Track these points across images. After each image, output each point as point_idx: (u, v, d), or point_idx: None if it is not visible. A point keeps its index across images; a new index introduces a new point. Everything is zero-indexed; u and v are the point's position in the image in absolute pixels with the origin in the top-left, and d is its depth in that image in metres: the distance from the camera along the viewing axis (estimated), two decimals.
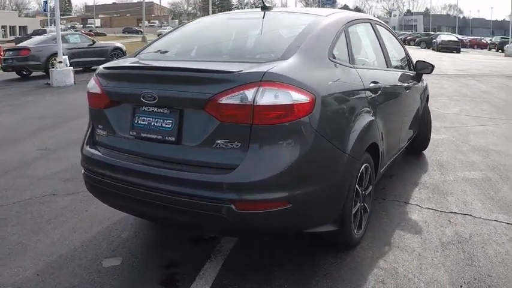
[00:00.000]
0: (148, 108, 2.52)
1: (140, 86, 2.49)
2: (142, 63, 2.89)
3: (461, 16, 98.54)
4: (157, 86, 2.45)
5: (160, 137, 2.47)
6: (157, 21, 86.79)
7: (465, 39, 47.10)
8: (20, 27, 63.65)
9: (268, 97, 2.20)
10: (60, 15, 15.70)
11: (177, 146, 2.41)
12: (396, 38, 4.41)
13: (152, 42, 3.27)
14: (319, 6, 63.37)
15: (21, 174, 4.69)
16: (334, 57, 2.75)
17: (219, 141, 2.28)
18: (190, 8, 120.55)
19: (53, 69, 12.04)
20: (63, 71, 11.83)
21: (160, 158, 2.46)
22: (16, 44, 19.81)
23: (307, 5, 72.62)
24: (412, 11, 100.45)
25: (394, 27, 70.76)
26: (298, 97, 2.25)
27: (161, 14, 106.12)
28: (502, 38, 45.84)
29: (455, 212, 3.63)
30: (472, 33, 75.04)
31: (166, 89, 2.43)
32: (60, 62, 11.90)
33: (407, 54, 4.55)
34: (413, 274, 2.71)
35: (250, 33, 3.10)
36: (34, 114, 8.11)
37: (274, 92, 2.21)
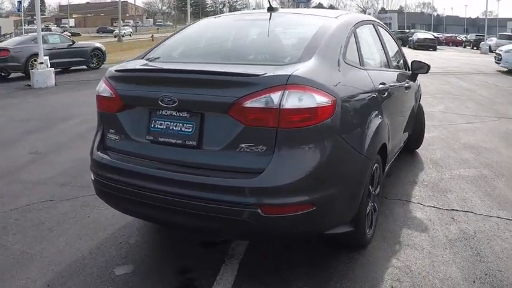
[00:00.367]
0: (166, 112, 2.47)
1: (158, 89, 2.44)
2: (159, 66, 2.82)
3: (435, 14, 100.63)
4: (177, 89, 2.40)
5: (180, 141, 2.43)
6: (131, 21, 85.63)
7: (441, 37, 47.88)
8: None
9: (293, 100, 2.19)
10: (34, 15, 15.33)
11: (198, 151, 2.38)
12: (393, 38, 4.46)
13: (159, 44, 3.21)
14: (294, 6, 63.53)
15: (15, 179, 4.56)
16: (347, 59, 2.77)
17: (243, 145, 2.26)
18: (164, 8, 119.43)
19: (33, 70, 11.76)
20: (44, 72, 11.55)
21: (180, 163, 2.42)
22: None
23: (282, 4, 72.70)
24: (386, 9, 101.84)
25: None
26: (321, 100, 2.26)
27: (135, 13, 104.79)
28: (477, 35, 46.56)
29: (456, 210, 3.71)
30: (446, 31, 76.57)
31: (187, 92, 2.38)
32: (41, 63, 11.62)
33: (403, 55, 4.61)
34: (427, 272, 2.76)
35: (262, 35, 3.08)
36: (18, 117, 7.91)
37: (299, 95, 2.21)
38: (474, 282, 2.66)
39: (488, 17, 47.80)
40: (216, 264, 2.81)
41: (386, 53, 3.76)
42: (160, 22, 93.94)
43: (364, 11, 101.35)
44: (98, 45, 16.67)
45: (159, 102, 2.42)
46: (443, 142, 5.88)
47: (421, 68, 4.51)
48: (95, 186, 2.83)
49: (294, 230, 2.34)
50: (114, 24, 70.21)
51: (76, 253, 3.03)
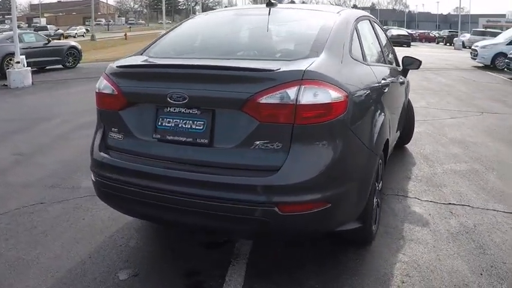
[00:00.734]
0: (175, 109, 2.38)
1: (167, 85, 2.36)
2: (166, 62, 2.73)
3: (407, 10, 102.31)
4: (188, 85, 2.32)
5: (190, 139, 2.34)
6: (103, 20, 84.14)
7: (414, 33, 48.72)
8: None
9: (308, 96, 2.15)
10: (5, 14, 14.86)
11: (210, 149, 2.31)
12: (385, 34, 4.48)
13: (157, 40, 3.11)
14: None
15: (1, 181, 4.38)
16: (353, 55, 2.75)
17: (258, 142, 2.20)
18: (136, 6, 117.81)
19: (9, 70, 11.39)
20: (21, 72, 11.21)
21: (190, 161, 2.34)
22: None
23: (254, 1, 72.31)
24: (358, 6, 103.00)
25: None
26: (335, 95, 2.22)
27: (107, 12, 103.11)
28: (450, 31, 47.49)
29: (454, 204, 3.75)
30: (418, 27, 78.02)
31: (198, 88, 2.30)
32: (18, 63, 11.26)
33: (393, 50, 4.63)
34: (434, 266, 2.77)
35: (266, 30, 3.01)
36: None
37: (314, 91, 2.17)
38: (481, 274, 2.68)
39: (460, 13, 48.77)
40: (223, 265, 2.75)
41: (382, 49, 3.77)
42: (133, 21, 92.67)
43: None
44: (73, 43, 16.24)
45: (168, 99, 2.33)
46: (430, 137, 5.95)
47: (412, 63, 4.53)
48: (96, 187, 2.72)
49: (308, 228, 2.31)
50: (87, 22, 68.79)
51: (75, 258, 2.92)
